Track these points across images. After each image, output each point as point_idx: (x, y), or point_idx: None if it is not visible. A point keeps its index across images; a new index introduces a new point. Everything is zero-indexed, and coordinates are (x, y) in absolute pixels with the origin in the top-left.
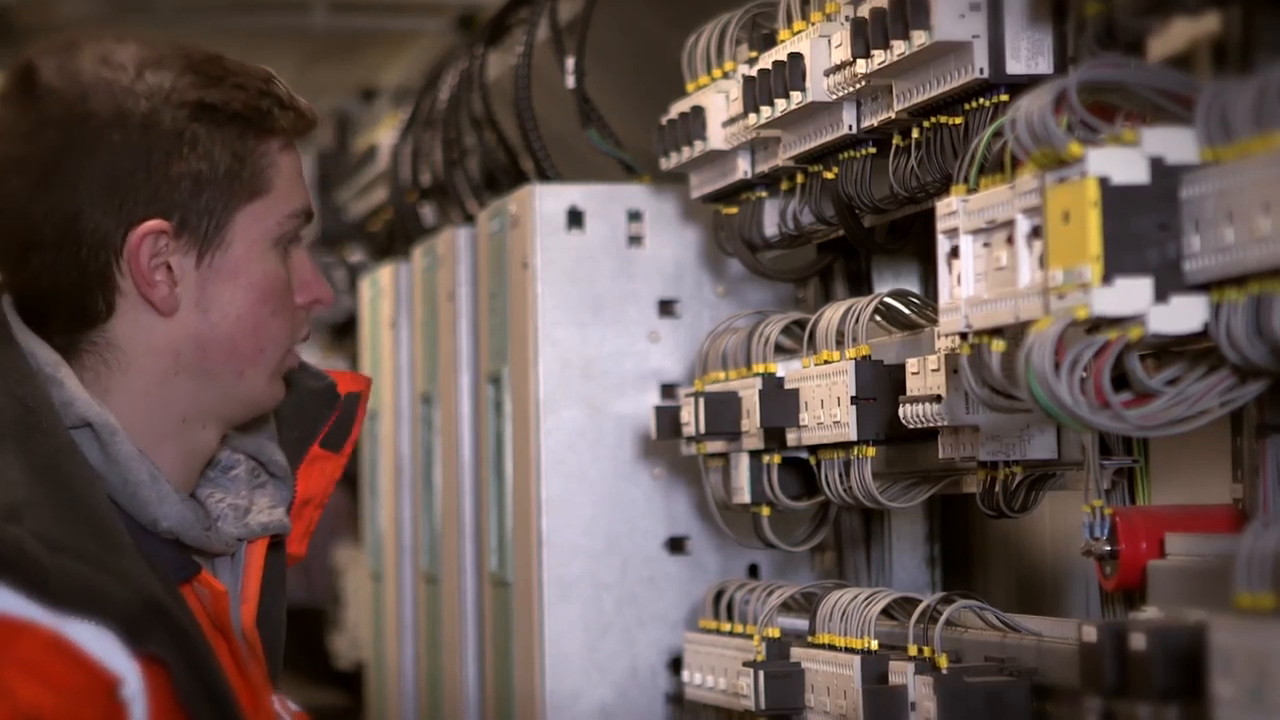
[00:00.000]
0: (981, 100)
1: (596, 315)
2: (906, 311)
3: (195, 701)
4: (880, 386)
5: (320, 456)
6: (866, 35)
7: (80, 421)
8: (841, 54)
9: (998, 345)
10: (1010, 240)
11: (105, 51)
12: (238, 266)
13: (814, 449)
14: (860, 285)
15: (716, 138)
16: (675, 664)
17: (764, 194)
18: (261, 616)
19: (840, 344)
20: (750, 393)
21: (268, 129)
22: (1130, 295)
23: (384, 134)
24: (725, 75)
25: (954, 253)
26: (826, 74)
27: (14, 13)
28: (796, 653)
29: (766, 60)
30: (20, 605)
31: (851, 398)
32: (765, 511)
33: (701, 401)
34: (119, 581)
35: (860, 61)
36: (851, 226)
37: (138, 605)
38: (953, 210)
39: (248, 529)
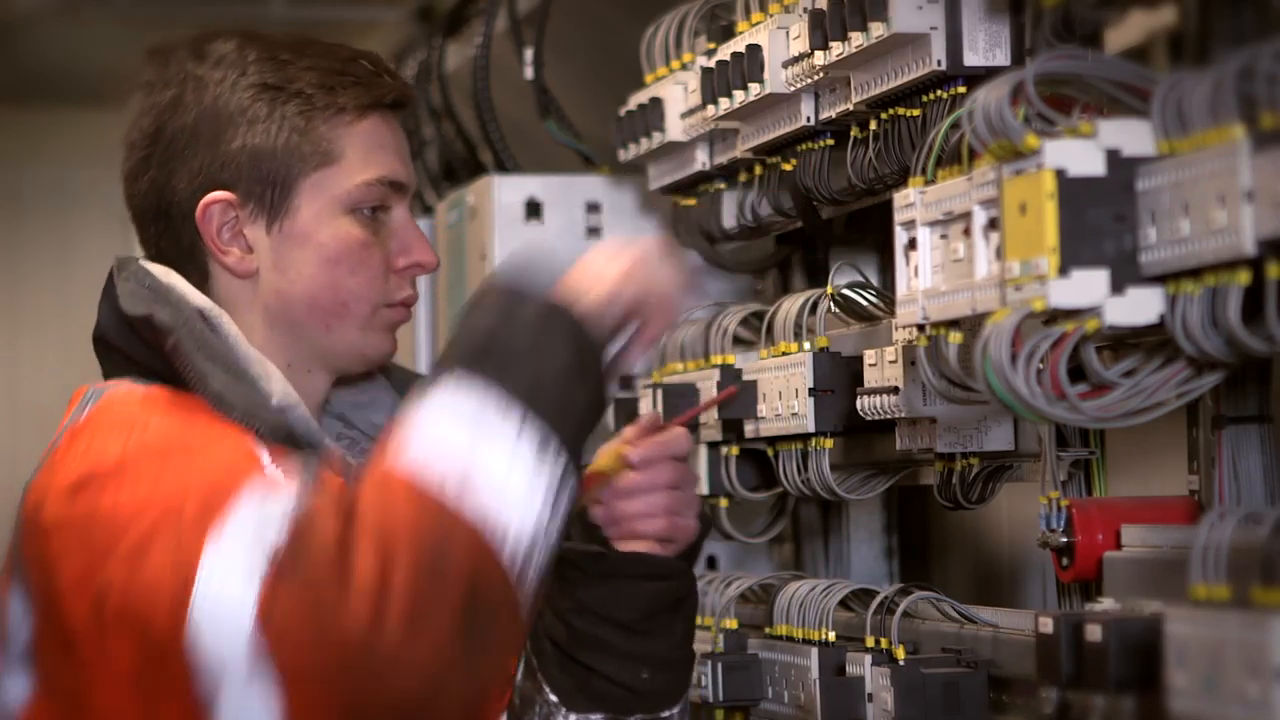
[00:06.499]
0: (939, 92)
1: None
2: (864, 303)
3: None
4: (838, 378)
5: None
6: (824, 27)
7: (193, 310)
8: (799, 46)
9: (955, 337)
10: (967, 232)
11: (203, 46)
12: (306, 230)
13: (772, 440)
14: (818, 277)
15: (675, 129)
16: None
17: (722, 185)
18: None
19: (798, 335)
20: (708, 384)
21: (334, 104)
22: (1087, 287)
23: None
24: (684, 67)
25: (911, 244)
26: (785, 66)
27: None
28: (754, 644)
29: (725, 52)
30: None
31: (809, 389)
32: (723, 503)
33: (660, 393)
34: (260, 407)
35: (818, 53)
36: (809, 218)
37: (283, 429)
38: (910, 202)
39: None
